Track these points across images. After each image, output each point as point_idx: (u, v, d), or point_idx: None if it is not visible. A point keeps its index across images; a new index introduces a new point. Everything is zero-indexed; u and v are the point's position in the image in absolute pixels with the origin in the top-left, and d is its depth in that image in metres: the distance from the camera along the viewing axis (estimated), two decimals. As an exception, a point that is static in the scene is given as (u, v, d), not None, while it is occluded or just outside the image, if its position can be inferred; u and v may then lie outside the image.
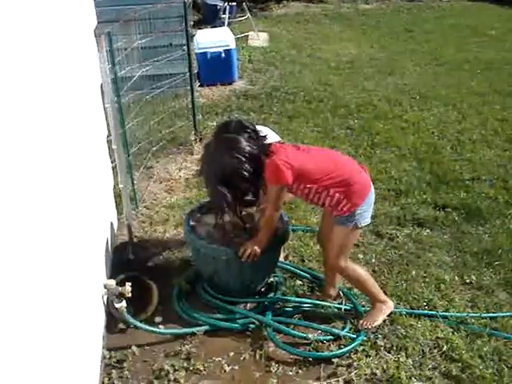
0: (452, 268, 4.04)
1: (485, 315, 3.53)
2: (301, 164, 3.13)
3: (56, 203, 2.47)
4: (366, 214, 3.25)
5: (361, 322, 3.40)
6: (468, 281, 3.89)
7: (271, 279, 3.79)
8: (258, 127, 3.45)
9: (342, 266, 3.37)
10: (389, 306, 3.46)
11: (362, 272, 3.48)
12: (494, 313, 3.58)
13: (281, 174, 3.08)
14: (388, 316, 3.45)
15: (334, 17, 13.53)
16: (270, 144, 3.22)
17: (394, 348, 3.26)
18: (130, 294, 3.26)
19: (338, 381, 3.08)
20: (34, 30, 2.40)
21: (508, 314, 3.58)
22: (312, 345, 3.28)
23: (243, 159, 3.09)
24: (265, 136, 3.27)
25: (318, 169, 3.18)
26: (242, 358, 3.23)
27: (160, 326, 3.41)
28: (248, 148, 3.11)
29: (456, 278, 3.92)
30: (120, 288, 3.25)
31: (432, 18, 13.44)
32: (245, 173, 3.10)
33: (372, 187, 3.30)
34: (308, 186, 3.19)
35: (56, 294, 2.33)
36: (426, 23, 12.84)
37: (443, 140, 6.26)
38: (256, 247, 3.32)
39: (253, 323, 3.42)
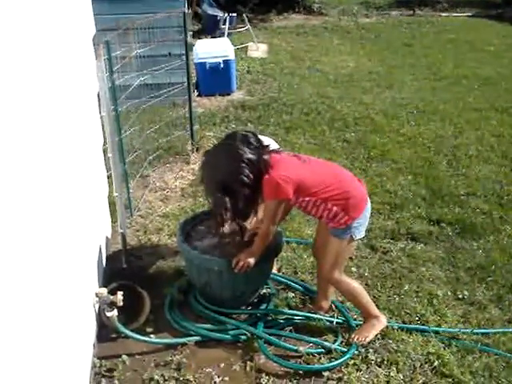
0: (445, 283, 4.04)
1: (476, 331, 3.54)
2: (300, 177, 3.12)
3: (49, 210, 2.47)
4: (361, 227, 3.27)
5: (352, 336, 3.39)
6: (461, 296, 3.89)
7: (264, 291, 3.79)
8: (261, 137, 3.47)
9: (337, 278, 3.37)
10: (381, 321, 3.45)
11: (355, 285, 3.47)
12: (485, 329, 3.58)
13: (280, 189, 3.06)
14: (380, 331, 3.44)
15: (333, 30, 13.58)
16: (270, 154, 3.20)
17: (385, 362, 3.25)
18: (121, 303, 3.25)
19: (328, 394, 3.08)
20: (33, 36, 2.41)
21: (500, 330, 3.58)
22: (303, 358, 3.27)
23: (243, 165, 3.06)
24: (267, 146, 3.27)
25: (317, 181, 3.17)
26: (232, 370, 3.22)
27: (151, 336, 3.40)
28: (247, 155, 3.08)
29: (449, 293, 3.92)
30: (112, 297, 3.23)
31: (431, 32, 13.49)
32: (245, 178, 3.07)
33: (368, 201, 3.31)
34: (306, 198, 3.19)
35: (47, 302, 2.32)
36: (425, 38, 12.90)
37: (439, 155, 6.27)
38: (249, 259, 3.31)
39: (244, 334, 3.41)
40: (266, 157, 3.15)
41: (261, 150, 3.17)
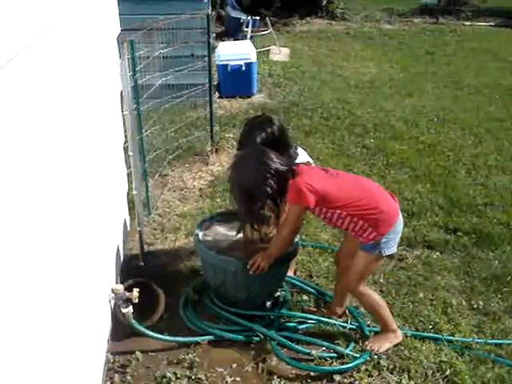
0: (460, 292, 4.02)
1: (490, 341, 3.52)
2: (325, 188, 3.09)
3: (69, 205, 2.51)
4: (391, 242, 3.21)
5: (366, 343, 3.39)
6: (475, 306, 3.87)
7: (278, 293, 3.80)
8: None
9: (361, 291, 3.36)
10: (398, 336, 3.43)
11: (377, 298, 3.46)
12: (499, 339, 3.56)
13: (303, 196, 3.05)
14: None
15: (356, 35, 13.57)
16: (298, 164, 3.22)
17: (397, 369, 3.25)
18: (137, 300, 3.29)
19: (338, 399, 3.09)
20: (58, 32, 2.45)
21: (514, 341, 3.57)
22: (315, 361, 3.27)
23: (268, 175, 3.07)
24: (294, 150, 3.27)
25: (344, 195, 3.13)
26: (244, 370, 3.23)
27: (165, 333, 3.43)
28: (276, 165, 3.09)
29: (463, 302, 3.91)
30: (127, 293, 3.27)
31: (454, 41, 13.43)
32: (268, 189, 3.08)
33: (400, 216, 3.24)
34: (331, 210, 3.16)
35: (64, 296, 2.36)
36: (448, 46, 12.84)
37: (458, 164, 6.25)
38: (264, 262, 3.33)
39: (257, 336, 3.42)
40: (294, 168, 3.17)
41: (290, 159, 3.21)
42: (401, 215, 3.26)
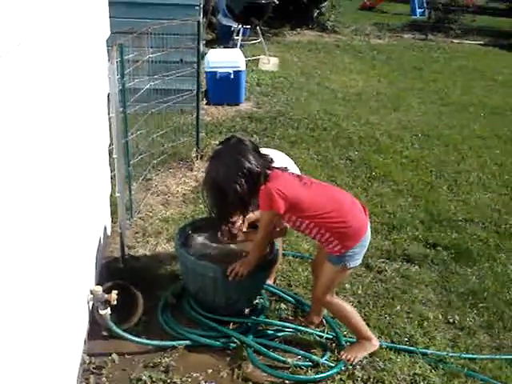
0: (436, 306, 4.07)
1: (464, 356, 3.56)
2: (296, 196, 3.11)
3: (50, 205, 2.51)
4: (357, 256, 3.25)
5: (342, 353, 3.42)
6: (451, 320, 3.92)
7: (256, 301, 3.82)
8: (273, 151, 3.50)
9: (328, 300, 3.39)
10: (373, 344, 3.46)
11: (347, 307, 3.49)
12: (473, 354, 3.60)
13: (273, 201, 3.06)
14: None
15: (345, 48, 13.67)
16: (272, 169, 3.23)
17: (371, 380, 3.27)
18: (115, 302, 3.29)
19: (312, 407, 3.10)
20: (48, 33, 2.46)
21: (488, 356, 3.60)
22: (290, 369, 3.29)
23: (240, 173, 3.08)
24: (270, 160, 3.29)
25: (314, 206, 3.15)
26: (219, 376, 3.24)
27: (142, 337, 3.43)
28: (251, 165, 3.09)
29: (440, 316, 3.95)
30: (106, 295, 3.28)
31: (442, 58, 13.57)
32: (237, 186, 3.09)
33: (368, 230, 3.28)
34: (300, 219, 3.19)
35: (40, 295, 2.35)
36: (436, 63, 12.97)
37: (440, 179, 6.32)
38: (243, 268, 3.35)
39: (234, 342, 3.44)
40: (268, 171, 3.18)
41: (266, 163, 3.20)
42: (369, 230, 3.30)
